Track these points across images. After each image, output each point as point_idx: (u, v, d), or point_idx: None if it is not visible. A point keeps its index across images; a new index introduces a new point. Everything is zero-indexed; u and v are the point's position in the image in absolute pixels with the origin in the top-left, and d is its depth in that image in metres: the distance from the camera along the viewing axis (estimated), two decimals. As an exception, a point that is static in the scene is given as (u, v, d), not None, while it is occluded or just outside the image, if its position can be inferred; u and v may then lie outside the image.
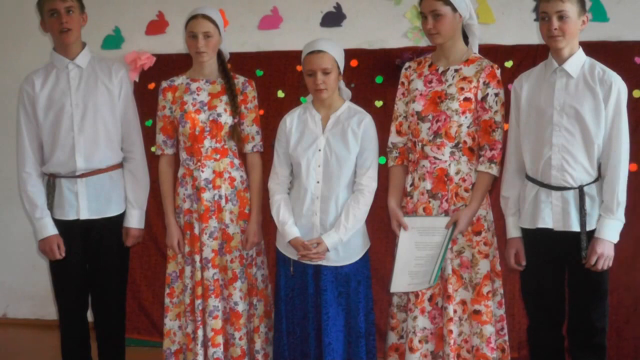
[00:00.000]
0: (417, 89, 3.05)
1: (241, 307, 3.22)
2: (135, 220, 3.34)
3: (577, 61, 2.83)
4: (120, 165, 3.34)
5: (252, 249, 3.26)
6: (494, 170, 2.98)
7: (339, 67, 3.06)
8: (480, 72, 2.98)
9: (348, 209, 3.03)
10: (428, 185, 3.01)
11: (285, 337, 3.13)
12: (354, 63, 4.13)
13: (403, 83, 3.14)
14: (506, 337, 3.07)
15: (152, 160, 3.46)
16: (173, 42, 4.38)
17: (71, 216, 3.25)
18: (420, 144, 3.03)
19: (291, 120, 3.17)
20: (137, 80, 4.35)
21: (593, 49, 3.07)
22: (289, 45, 4.19)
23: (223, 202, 3.21)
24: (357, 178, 3.07)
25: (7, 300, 4.82)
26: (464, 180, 2.99)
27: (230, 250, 3.22)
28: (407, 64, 3.17)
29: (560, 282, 2.94)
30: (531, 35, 3.97)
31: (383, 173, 3.21)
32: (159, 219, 3.97)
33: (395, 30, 4.20)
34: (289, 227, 3.07)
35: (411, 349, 3.00)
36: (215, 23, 3.17)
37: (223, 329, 3.23)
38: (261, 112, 3.81)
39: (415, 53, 3.89)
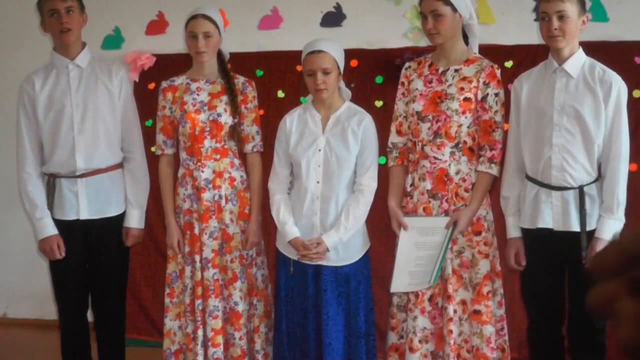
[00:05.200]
0: (417, 89, 3.05)
1: (241, 307, 3.22)
2: (135, 220, 3.34)
3: (577, 61, 2.83)
4: (120, 166, 3.34)
5: (252, 249, 3.26)
6: (494, 170, 2.98)
7: (339, 67, 3.06)
8: (480, 72, 2.97)
9: (348, 209, 3.03)
10: (428, 185, 3.00)
11: (285, 337, 3.13)
12: (354, 63, 4.12)
13: (403, 83, 3.14)
14: (506, 337, 3.07)
15: (152, 160, 3.46)
16: (173, 42, 4.37)
17: (71, 216, 3.25)
18: (420, 144, 3.02)
19: (291, 121, 3.16)
20: (137, 80, 4.34)
21: (593, 49, 3.07)
22: (289, 45, 4.17)
23: (223, 202, 3.21)
24: (357, 178, 3.07)
25: (7, 300, 4.81)
26: (464, 180, 2.99)
27: (230, 250, 3.22)
28: (407, 64, 3.17)
29: (560, 282, 2.93)
30: (531, 35, 3.96)
31: (383, 173, 3.20)
32: (159, 219, 3.96)
33: (395, 30, 4.19)
34: (289, 227, 3.07)
35: (411, 349, 3.00)
36: (215, 23, 3.17)
37: (223, 329, 3.22)
38: (261, 112, 3.80)
39: (415, 53, 3.89)
